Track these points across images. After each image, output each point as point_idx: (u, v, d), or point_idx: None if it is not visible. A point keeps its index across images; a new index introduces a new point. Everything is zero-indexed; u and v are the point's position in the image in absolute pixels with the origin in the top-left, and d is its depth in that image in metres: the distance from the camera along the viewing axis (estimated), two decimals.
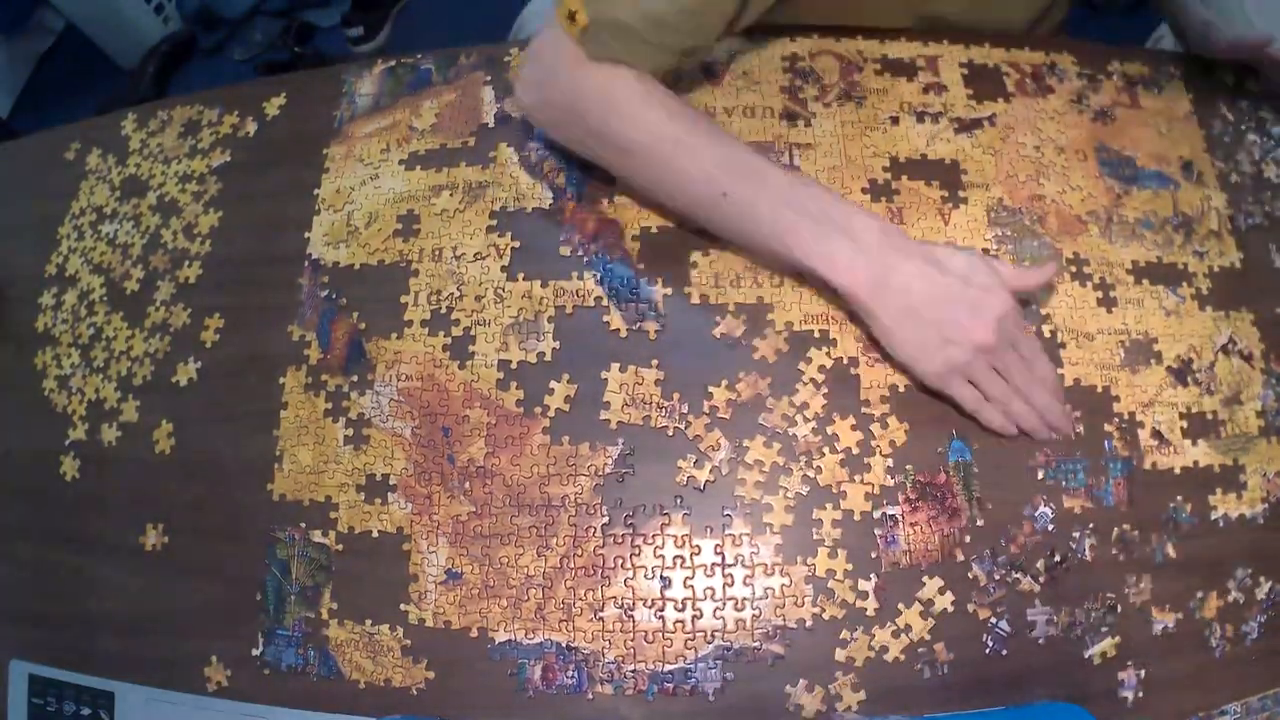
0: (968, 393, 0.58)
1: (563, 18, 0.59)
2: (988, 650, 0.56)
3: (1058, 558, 0.57)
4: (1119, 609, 0.57)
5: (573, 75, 0.61)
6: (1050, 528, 0.58)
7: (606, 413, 0.62)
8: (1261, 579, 0.59)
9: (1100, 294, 0.64)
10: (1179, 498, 0.59)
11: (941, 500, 0.59)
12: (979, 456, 0.60)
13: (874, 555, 0.58)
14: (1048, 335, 0.63)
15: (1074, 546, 0.58)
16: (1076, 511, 0.59)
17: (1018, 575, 0.57)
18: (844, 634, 0.57)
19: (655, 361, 0.63)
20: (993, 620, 0.57)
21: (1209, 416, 0.61)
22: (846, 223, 0.57)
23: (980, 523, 0.58)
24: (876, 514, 0.59)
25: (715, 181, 0.59)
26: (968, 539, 0.58)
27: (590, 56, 0.60)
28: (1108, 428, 0.60)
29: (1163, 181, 0.68)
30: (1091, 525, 0.58)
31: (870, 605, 0.57)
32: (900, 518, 0.58)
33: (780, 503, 0.59)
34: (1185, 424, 0.61)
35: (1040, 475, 0.59)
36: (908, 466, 0.59)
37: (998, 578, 0.57)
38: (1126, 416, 0.61)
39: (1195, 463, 0.60)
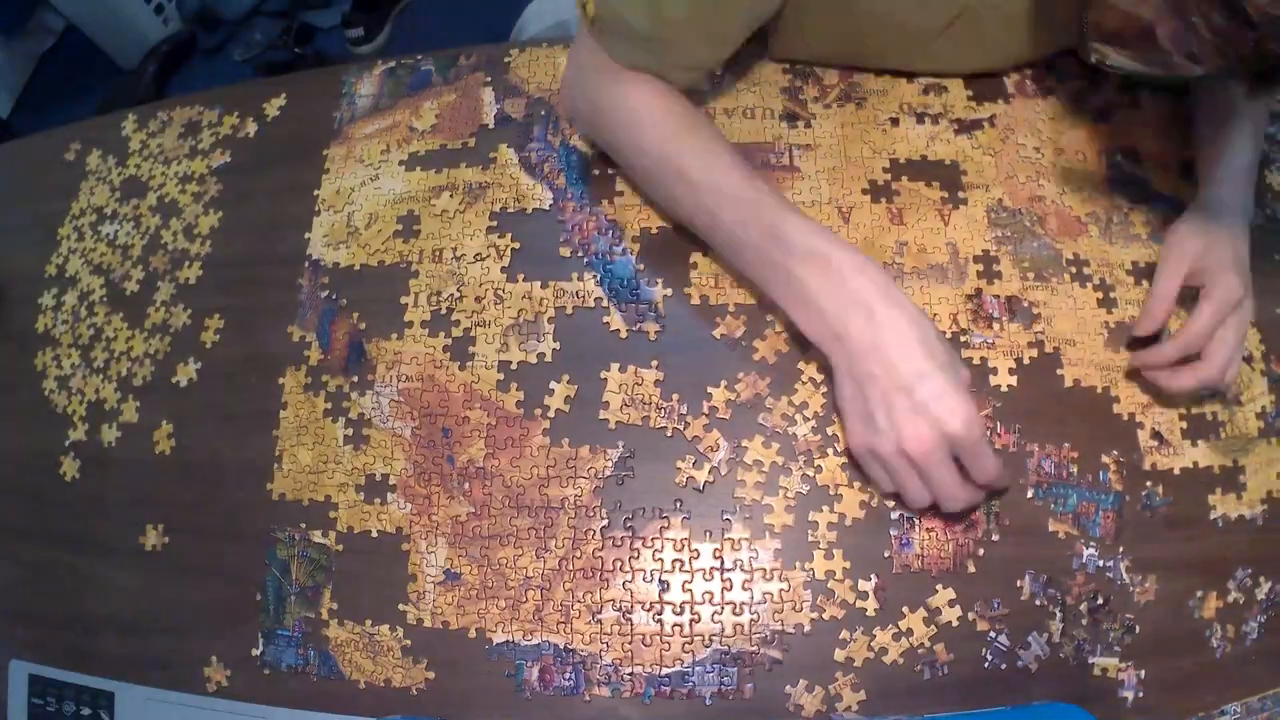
0: (879, 476, 0.55)
1: (579, 5, 0.59)
2: (986, 664, 0.56)
3: (1100, 600, 0.57)
4: (1137, 629, 0.57)
5: (597, 83, 0.62)
6: (1100, 564, 0.57)
7: (605, 412, 0.62)
8: (1261, 579, 0.59)
9: (1100, 294, 0.64)
10: (1148, 482, 0.59)
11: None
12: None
13: (886, 555, 0.58)
14: (1047, 337, 0.62)
15: (1110, 577, 0.57)
16: (1061, 536, 0.58)
17: (1069, 620, 0.57)
18: (843, 634, 0.57)
19: (655, 362, 0.63)
20: (992, 634, 0.57)
21: (1209, 417, 0.61)
22: (829, 263, 0.54)
23: (995, 537, 0.58)
24: (894, 515, 0.58)
25: (706, 211, 0.58)
26: (981, 552, 0.58)
27: (611, 56, 0.60)
28: (1105, 459, 0.60)
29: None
30: (1122, 549, 0.58)
31: (870, 605, 0.57)
32: (917, 521, 0.58)
33: (780, 503, 0.59)
34: (1185, 425, 0.61)
35: (1030, 494, 0.59)
36: None
37: (1039, 604, 0.57)
38: (1126, 418, 0.61)
39: (1195, 463, 0.60)
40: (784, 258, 0.55)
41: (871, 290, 0.53)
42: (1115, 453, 0.60)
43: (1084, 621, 0.57)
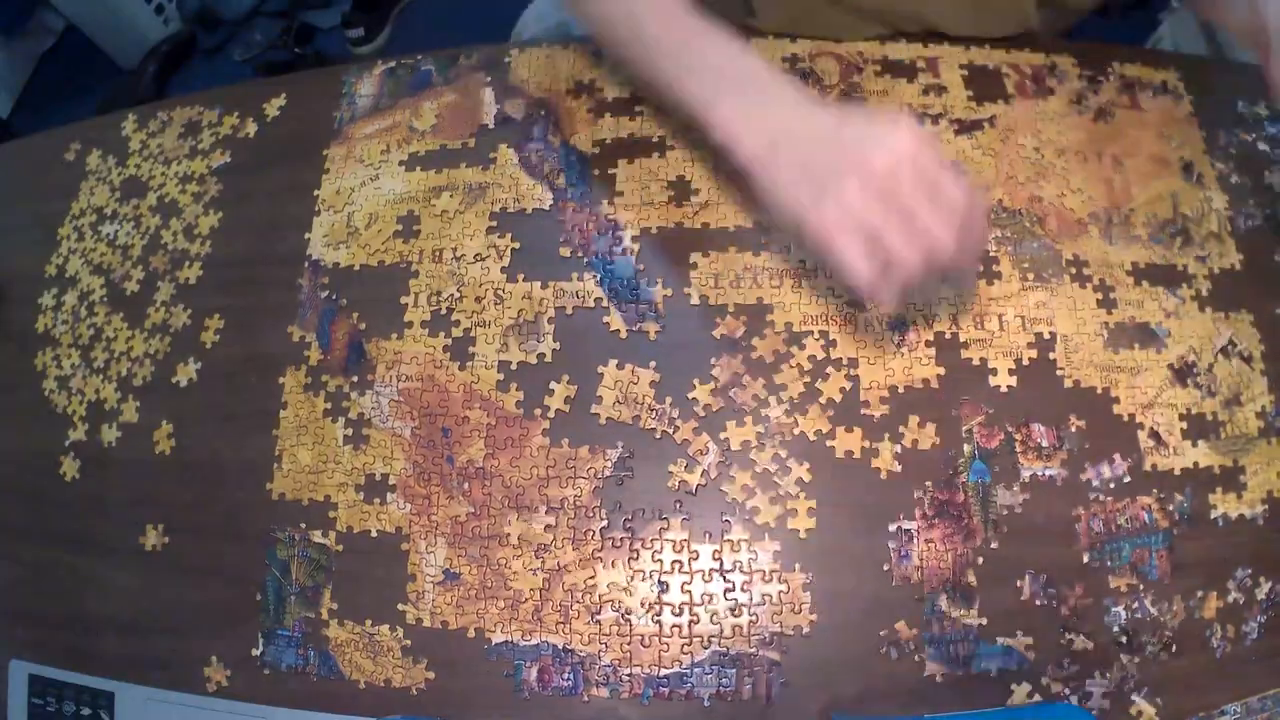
0: (853, 254, 0.49)
1: None
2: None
3: (1124, 639, 0.57)
4: (1162, 656, 0.57)
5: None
6: (1119, 626, 0.57)
7: (598, 407, 0.62)
8: (1261, 579, 0.59)
9: (1100, 295, 0.64)
10: (1177, 496, 0.59)
11: (958, 519, 0.58)
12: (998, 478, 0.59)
13: (885, 569, 0.58)
14: (1047, 337, 0.63)
15: (1140, 617, 0.57)
16: (1123, 590, 0.57)
17: (1071, 636, 0.56)
18: (844, 635, 0.57)
19: (653, 363, 0.63)
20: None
21: (1209, 418, 0.61)
22: (758, 81, 0.55)
23: (994, 545, 0.58)
24: (891, 528, 0.58)
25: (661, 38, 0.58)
26: (980, 560, 0.58)
27: None
28: (1145, 499, 0.59)
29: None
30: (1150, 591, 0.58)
31: (868, 616, 0.57)
32: (915, 534, 0.58)
33: (779, 505, 0.59)
34: (1185, 425, 0.61)
35: (1085, 559, 0.58)
36: (927, 483, 0.59)
37: (1039, 603, 0.57)
38: (1126, 418, 0.61)
39: (1195, 464, 0.60)
40: (712, 84, 0.55)
41: (801, 104, 0.54)
42: (1155, 491, 0.59)
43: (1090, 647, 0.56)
